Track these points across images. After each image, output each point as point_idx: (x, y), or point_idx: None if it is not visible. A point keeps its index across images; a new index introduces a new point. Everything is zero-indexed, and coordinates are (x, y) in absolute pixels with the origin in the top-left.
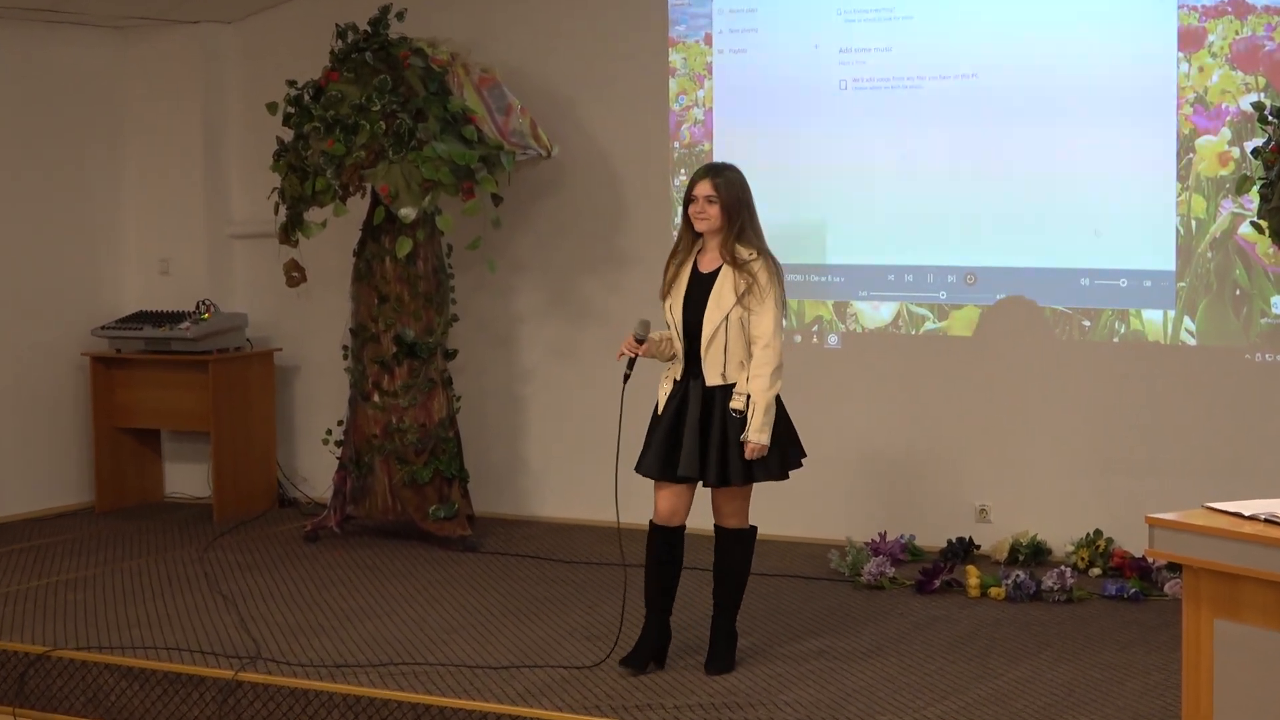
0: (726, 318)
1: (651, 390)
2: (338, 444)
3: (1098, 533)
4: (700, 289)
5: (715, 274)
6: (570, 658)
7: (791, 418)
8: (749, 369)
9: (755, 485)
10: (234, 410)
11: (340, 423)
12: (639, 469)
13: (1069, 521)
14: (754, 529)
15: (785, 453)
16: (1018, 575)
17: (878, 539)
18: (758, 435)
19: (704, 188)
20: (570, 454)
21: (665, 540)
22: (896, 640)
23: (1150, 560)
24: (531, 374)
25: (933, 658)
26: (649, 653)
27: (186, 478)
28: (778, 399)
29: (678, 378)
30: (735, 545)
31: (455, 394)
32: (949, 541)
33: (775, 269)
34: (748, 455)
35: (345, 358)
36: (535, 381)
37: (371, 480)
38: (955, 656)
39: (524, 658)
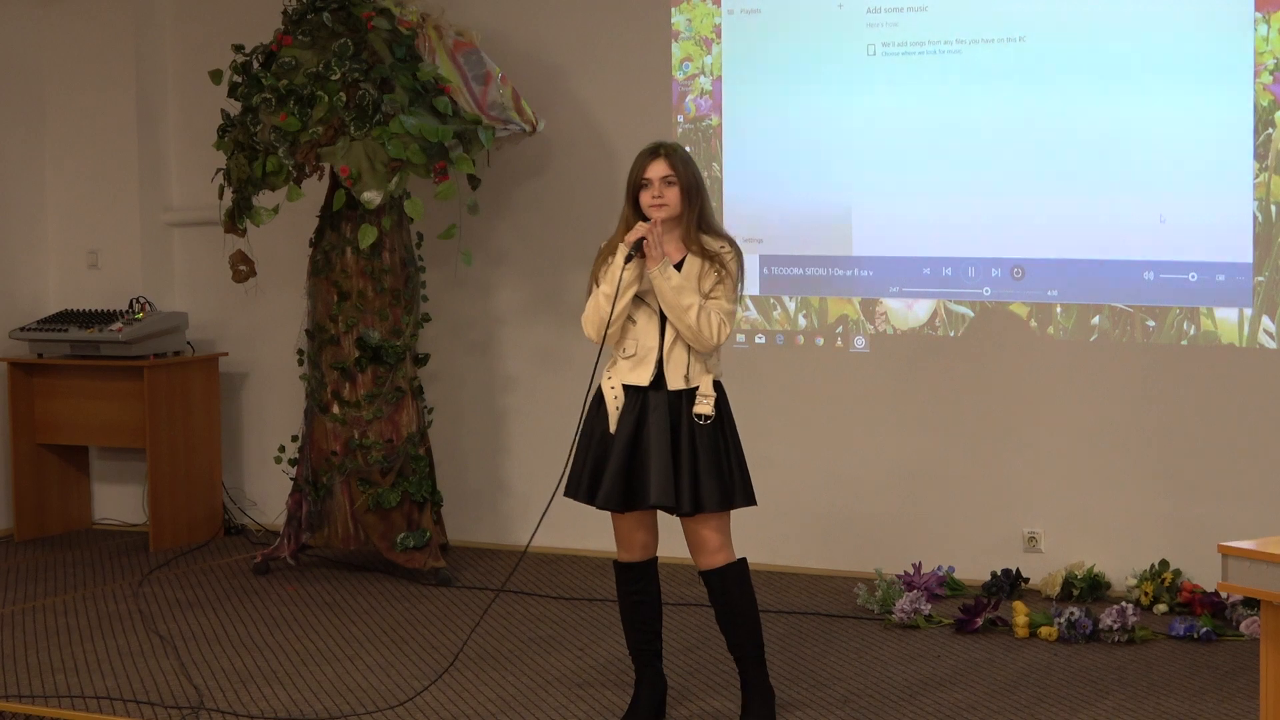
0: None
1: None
2: (291, 462)
3: (1164, 564)
4: None
5: (679, 266)
6: (559, 708)
7: (812, 430)
8: (715, 370)
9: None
10: (173, 424)
11: (295, 438)
12: (590, 499)
13: (1131, 551)
14: (744, 560)
15: (747, 478)
16: (1072, 613)
17: (911, 571)
18: (667, 270)
19: (659, 168)
20: (558, 475)
21: (640, 576)
22: (933, 687)
23: (1224, 595)
24: (515, 383)
25: (975, 707)
26: (648, 710)
27: (118, 501)
28: (735, 427)
29: (641, 384)
30: (733, 583)
31: (427, 405)
32: (993, 574)
33: (742, 264)
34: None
35: (300, 363)
36: (519, 392)
37: (330, 504)
38: (1001, 706)
39: (505, 709)
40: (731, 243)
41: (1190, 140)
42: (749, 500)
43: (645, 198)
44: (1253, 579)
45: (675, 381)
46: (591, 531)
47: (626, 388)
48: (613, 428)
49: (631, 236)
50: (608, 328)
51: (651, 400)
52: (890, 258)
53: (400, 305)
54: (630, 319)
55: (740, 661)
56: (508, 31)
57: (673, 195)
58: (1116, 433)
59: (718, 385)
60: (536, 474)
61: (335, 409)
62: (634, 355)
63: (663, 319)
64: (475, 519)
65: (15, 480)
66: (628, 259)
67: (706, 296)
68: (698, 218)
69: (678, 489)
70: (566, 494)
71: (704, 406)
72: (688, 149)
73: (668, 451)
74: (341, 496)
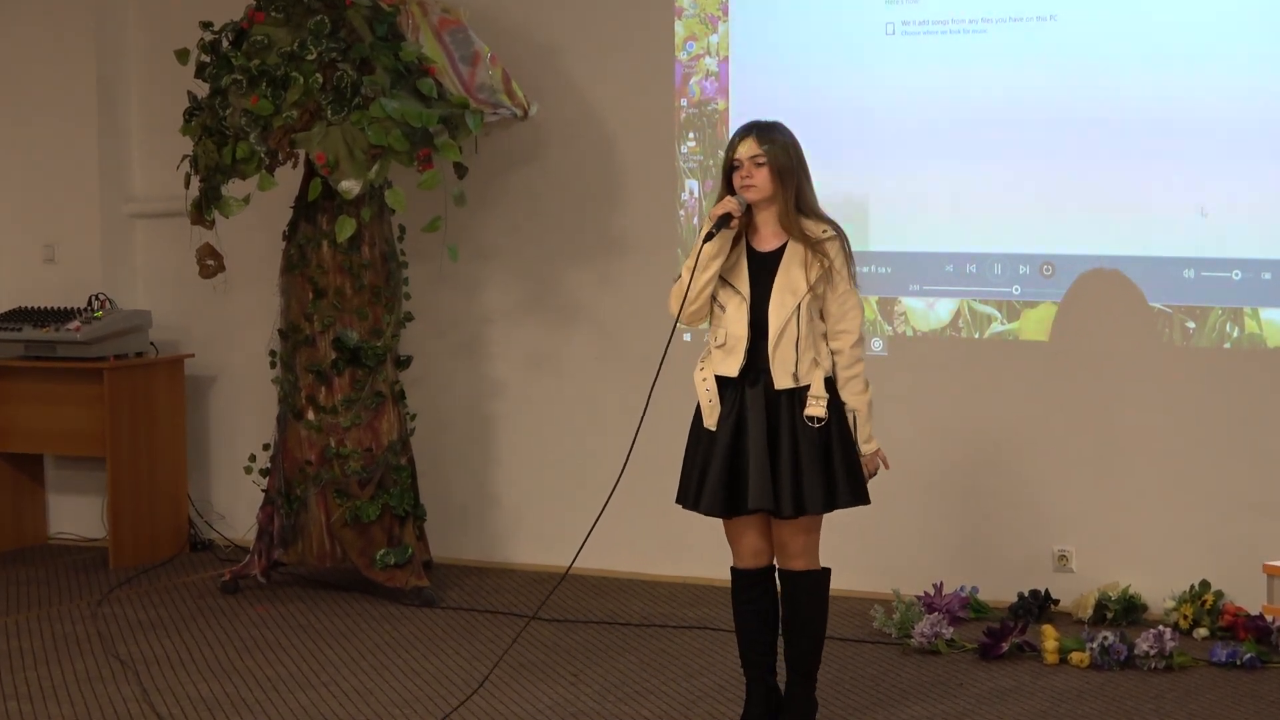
0: (799, 306)
1: (682, 394)
2: (263, 473)
3: (1204, 585)
4: (763, 272)
5: (779, 253)
6: None
7: None
8: (826, 366)
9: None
10: (135, 431)
11: (266, 447)
12: (695, 505)
13: (1169, 571)
14: (827, 571)
15: (858, 477)
16: (1105, 637)
17: (932, 592)
18: (871, 445)
19: (748, 147)
20: (551, 487)
21: (751, 584)
22: (956, 717)
23: (1269, 619)
24: (504, 388)
25: None
26: None
27: (76, 514)
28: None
29: (730, 374)
30: (807, 592)
31: (409, 411)
32: (1020, 595)
33: (849, 248)
34: (869, 470)
35: (273, 366)
36: (508, 397)
37: (305, 518)
38: None
39: None
40: (835, 226)
41: (1234, 126)
42: (857, 500)
43: (737, 178)
44: None
45: (782, 380)
46: (586, 548)
47: (721, 380)
48: (708, 421)
49: (717, 210)
50: (683, 303)
51: (749, 397)
52: (909, 253)
53: (381, 303)
54: (720, 306)
55: (791, 673)
56: (498, 8)
57: (762, 176)
58: (1154, 443)
59: (831, 382)
60: (527, 486)
61: (310, 415)
62: (724, 345)
63: (752, 308)
64: (461, 534)
65: None
66: (708, 237)
67: (811, 290)
68: (795, 201)
69: (778, 491)
70: (677, 501)
71: (815, 408)
72: (788, 128)
73: (765, 453)
74: (317, 510)
